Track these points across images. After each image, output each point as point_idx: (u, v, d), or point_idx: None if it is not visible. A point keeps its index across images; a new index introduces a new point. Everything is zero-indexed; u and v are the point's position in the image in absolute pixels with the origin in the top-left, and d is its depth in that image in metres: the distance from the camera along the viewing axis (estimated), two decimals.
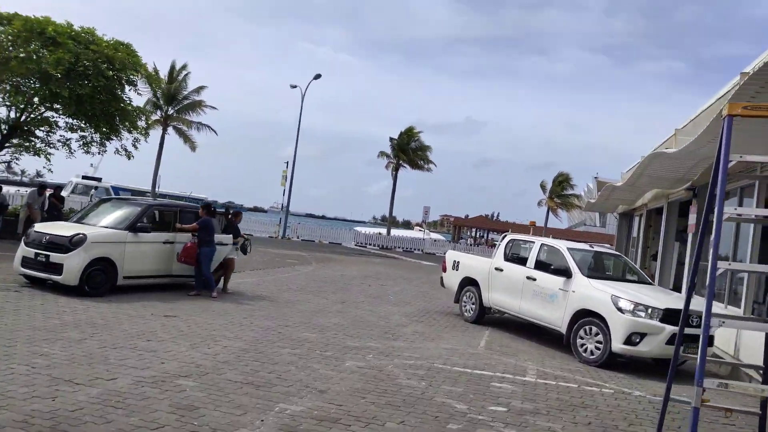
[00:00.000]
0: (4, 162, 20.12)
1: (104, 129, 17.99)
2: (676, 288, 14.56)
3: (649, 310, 8.71)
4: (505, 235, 12.27)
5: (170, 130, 37.19)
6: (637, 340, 8.64)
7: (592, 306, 9.22)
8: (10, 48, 15.87)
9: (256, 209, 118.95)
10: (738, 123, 4.90)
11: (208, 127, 38.05)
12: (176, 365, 6.34)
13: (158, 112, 36.34)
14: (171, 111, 36.89)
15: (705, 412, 5.06)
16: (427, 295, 15.70)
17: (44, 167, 19.91)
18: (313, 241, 37.64)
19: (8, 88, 16.81)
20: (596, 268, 11.00)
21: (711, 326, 3.73)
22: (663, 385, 8.10)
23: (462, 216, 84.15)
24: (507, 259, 11.49)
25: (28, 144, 18.44)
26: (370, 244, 40.34)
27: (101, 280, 9.98)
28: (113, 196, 27.25)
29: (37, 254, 9.94)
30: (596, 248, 11.62)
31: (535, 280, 10.41)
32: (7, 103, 17.26)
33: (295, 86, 39.65)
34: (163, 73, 33.73)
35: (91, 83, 16.42)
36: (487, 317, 11.88)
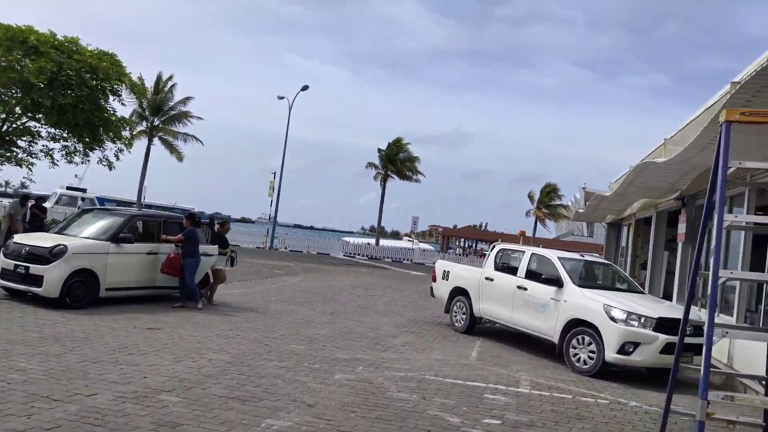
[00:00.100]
0: None
1: (87, 139, 17.72)
2: (666, 296, 14.53)
3: (642, 319, 8.61)
4: (495, 245, 12.16)
5: (156, 140, 36.86)
6: (631, 349, 8.53)
7: (584, 315, 9.11)
8: None
9: (243, 220, 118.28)
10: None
11: (195, 137, 37.76)
12: (159, 380, 6.12)
13: (144, 123, 36.03)
14: (157, 122, 36.56)
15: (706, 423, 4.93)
16: (417, 305, 15.53)
17: (25, 177, 19.62)
18: (301, 252, 37.37)
19: None
20: (587, 278, 10.91)
21: (714, 337, 3.60)
22: (657, 395, 8.03)
23: (450, 226, 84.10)
24: (497, 268, 11.37)
25: (9, 154, 18.10)
26: (358, 255, 40.14)
27: (83, 292, 9.71)
28: (98, 206, 26.93)
29: (16, 266, 9.67)
30: (587, 257, 11.54)
31: (526, 289, 10.29)
32: None
33: (282, 97, 39.60)
34: (150, 84, 33.52)
35: (74, 93, 16.20)
36: (478, 327, 11.74)
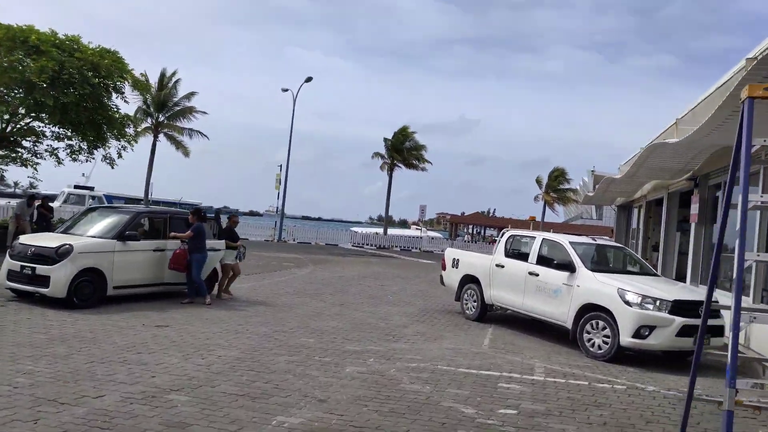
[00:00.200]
0: None
1: (91, 137, 17.62)
2: (680, 278, 14.32)
3: (658, 302, 8.44)
4: (505, 231, 12.00)
5: (162, 136, 36.80)
6: (646, 333, 8.37)
7: (598, 300, 8.95)
8: None
9: (251, 213, 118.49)
10: (734, 110, 4.64)
11: (200, 132, 37.65)
12: (167, 378, 6.03)
13: (149, 119, 35.95)
14: (162, 118, 36.47)
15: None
16: (427, 293, 15.40)
17: (29, 177, 19.57)
18: (309, 243, 37.31)
19: None
20: (599, 261, 10.75)
21: (741, 323, 3.44)
22: (675, 378, 7.88)
23: (458, 213, 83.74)
24: (508, 255, 11.21)
25: (15, 155, 18.04)
26: (367, 244, 40.05)
27: (90, 291, 9.65)
28: (106, 204, 26.92)
29: (23, 267, 9.61)
30: (599, 241, 11.35)
31: (537, 275, 10.13)
32: None
33: (286, 90, 39.32)
34: (153, 81, 33.38)
35: (77, 91, 16.03)
36: (489, 314, 11.60)
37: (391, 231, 48.67)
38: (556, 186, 53.20)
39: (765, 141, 4.08)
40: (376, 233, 44.05)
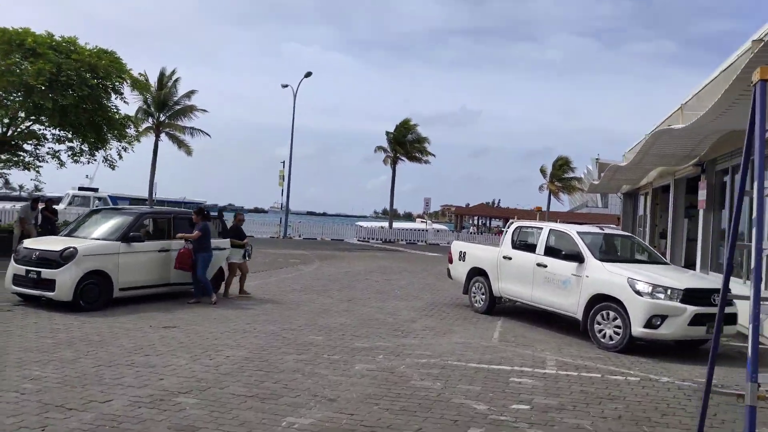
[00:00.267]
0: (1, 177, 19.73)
1: (92, 139, 17.55)
2: (689, 265, 14.20)
3: (669, 291, 8.33)
4: (512, 223, 11.89)
5: (163, 136, 36.72)
6: (658, 322, 8.27)
7: (608, 290, 8.85)
8: None
9: (256, 210, 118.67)
10: (742, 94, 4.50)
11: (202, 131, 37.58)
12: (175, 381, 5.97)
13: (150, 119, 35.88)
14: (163, 117, 36.40)
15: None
16: (434, 287, 15.32)
17: (32, 180, 19.39)
18: (315, 239, 37.28)
19: None
20: (608, 251, 10.64)
21: (761, 314, 3.33)
22: (689, 368, 7.78)
23: (463, 205, 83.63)
24: (515, 246, 11.10)
25: (17, 159, 18.00)
26: (372, 239, 39.99)
27: (96, 293, 9.61)
28: (111, 206, 26.91)
29: (28, 271, 9.57)
30: (606, 230, 11.24)
31: (546, 266, 10.03)
32: None
33: (286, 85, 39.20)
34: (153, 81, 33.26)
35: (75, 93, 15.95)
36: (498, 307, 11.51)
37: (396, 224, 48.59)
38: (560, 175, 52.94)
39: None
40: (382, 227, 43.99)
